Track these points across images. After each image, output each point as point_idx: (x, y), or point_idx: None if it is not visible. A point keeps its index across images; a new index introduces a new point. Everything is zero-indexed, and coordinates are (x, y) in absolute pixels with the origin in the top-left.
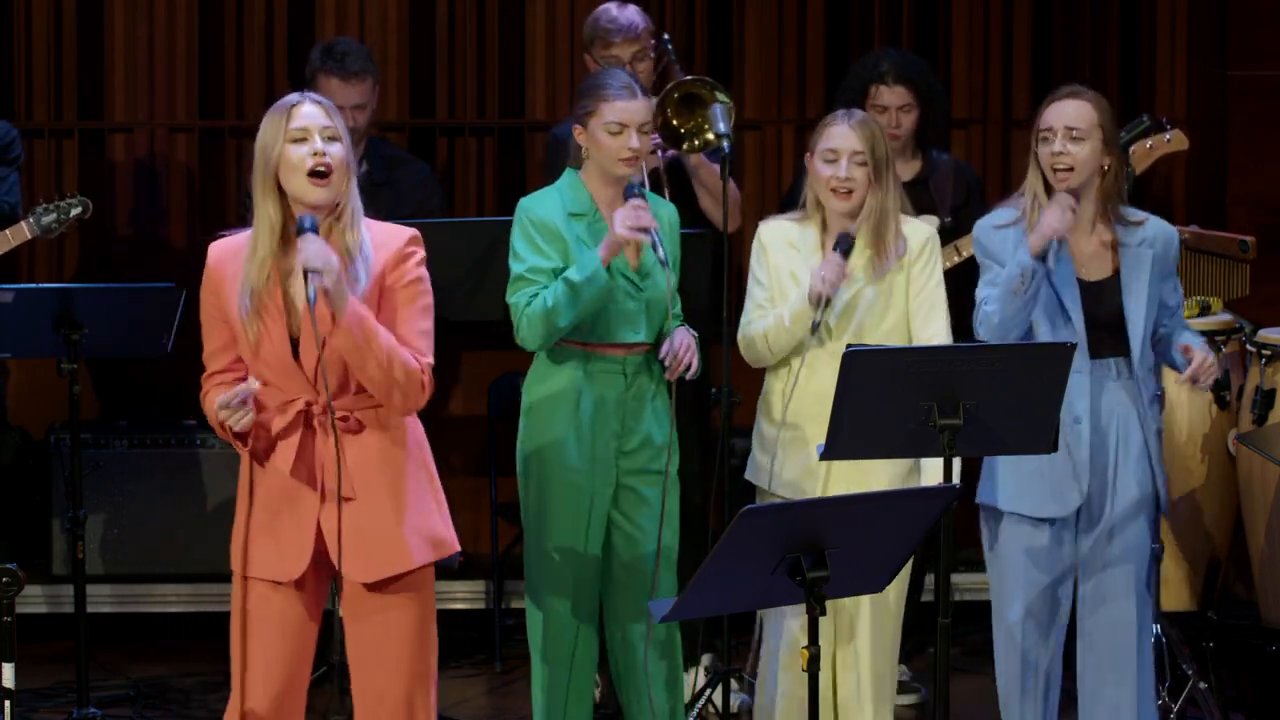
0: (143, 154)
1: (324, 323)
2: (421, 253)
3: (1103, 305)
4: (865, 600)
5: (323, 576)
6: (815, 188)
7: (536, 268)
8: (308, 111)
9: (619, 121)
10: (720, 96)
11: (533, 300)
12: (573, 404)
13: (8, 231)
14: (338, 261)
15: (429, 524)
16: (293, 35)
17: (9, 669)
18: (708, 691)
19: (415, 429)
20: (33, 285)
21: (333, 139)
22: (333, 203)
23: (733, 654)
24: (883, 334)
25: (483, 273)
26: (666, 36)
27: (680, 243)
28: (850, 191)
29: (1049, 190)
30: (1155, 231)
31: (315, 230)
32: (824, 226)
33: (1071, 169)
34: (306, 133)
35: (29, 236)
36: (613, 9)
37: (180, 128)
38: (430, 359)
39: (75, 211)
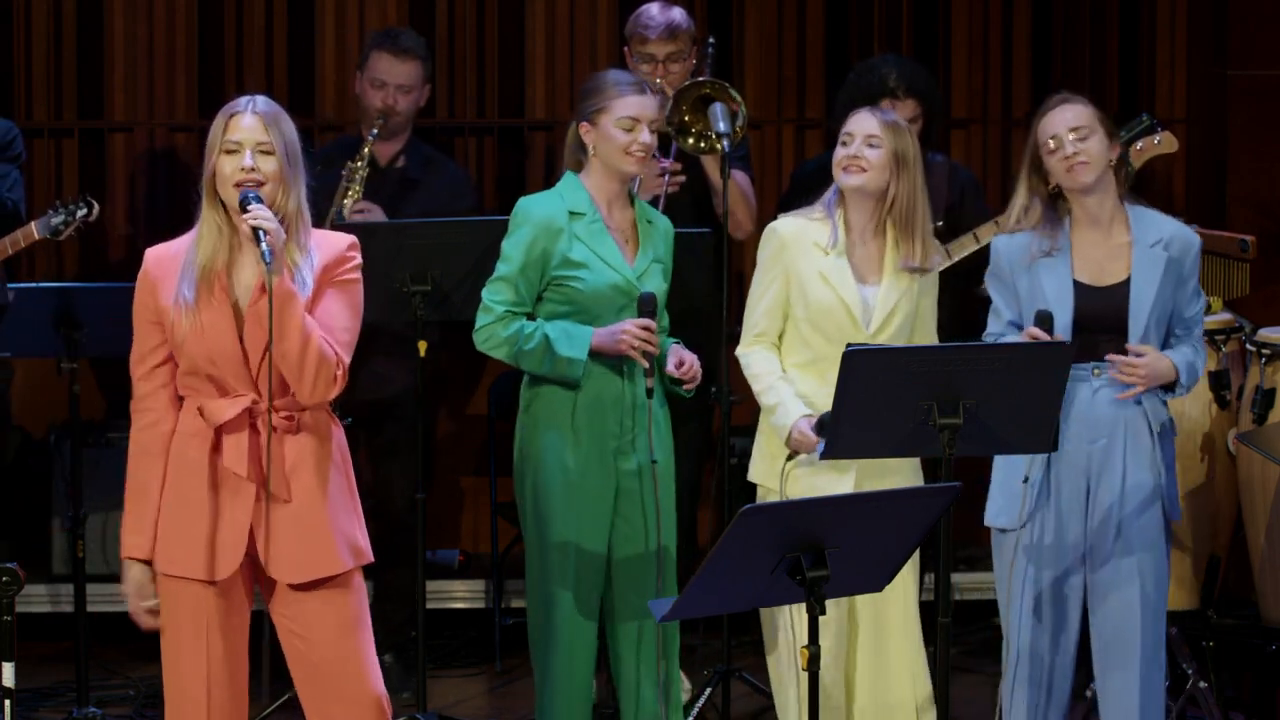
0: (143, 154)
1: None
2: (359, 259)
3: (1109, 308)
4: (896, 603)
5: (248, 575)
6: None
7: (522, 272)
8: (246, 124)
9: (632, 117)
10: (735, 96)
11: (510, 324)
12: (570, 403)
13: (18, 233)
14: (282, 231)
15: (352, 530)
16: (293, 35)
17: (9, 668)
18: (707, 691)
19: (340, 436)
20: (33, 285)
21: (267, 153)
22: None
23: (732, 654)
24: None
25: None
26: (711, 40)
27: (680, 241)
28: (862, 170)
29: (1053, 201)
30: (1174, 233)
31: (259, 201)
32: (846, 226)
33: (1087, 163)
34: (240, 146)
35: (38, 238)
36: (655, 8)
37: (180, 128)
38: (347, 358)
39: (81, 213)
